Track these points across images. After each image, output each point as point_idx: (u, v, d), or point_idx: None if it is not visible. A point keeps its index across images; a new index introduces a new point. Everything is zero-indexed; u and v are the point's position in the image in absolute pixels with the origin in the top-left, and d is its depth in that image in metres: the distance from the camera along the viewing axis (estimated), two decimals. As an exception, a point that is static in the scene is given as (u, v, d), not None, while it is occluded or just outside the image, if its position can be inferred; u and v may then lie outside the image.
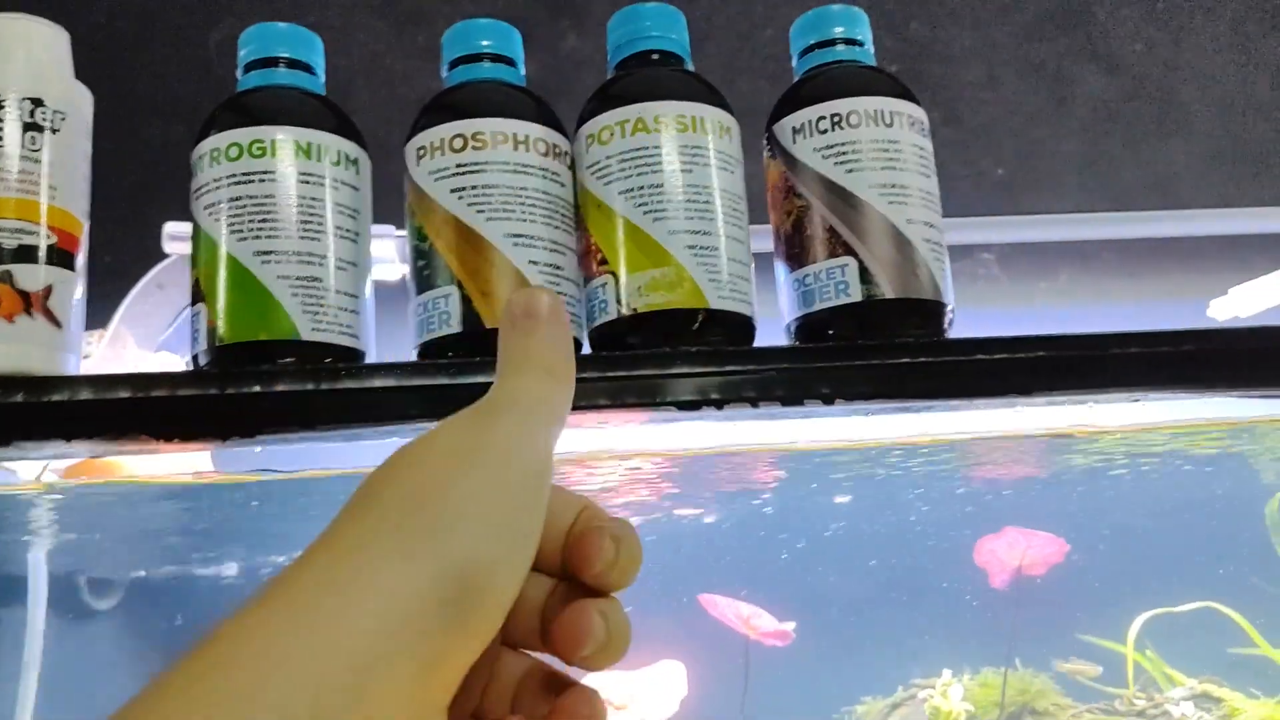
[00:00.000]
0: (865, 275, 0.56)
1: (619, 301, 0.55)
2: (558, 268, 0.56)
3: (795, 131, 0.59)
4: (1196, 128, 1.40)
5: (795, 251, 0.58)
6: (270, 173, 0.55)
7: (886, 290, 0.56)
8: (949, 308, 0.57)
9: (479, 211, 0.55)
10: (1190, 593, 1.16)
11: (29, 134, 0.53)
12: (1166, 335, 0.57)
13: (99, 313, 0.88)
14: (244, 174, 0.55)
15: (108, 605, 1.10)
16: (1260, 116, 1.42)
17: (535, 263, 0.55)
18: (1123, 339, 0.56)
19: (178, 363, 0.88)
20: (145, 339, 0.86)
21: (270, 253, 0.54)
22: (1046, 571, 1.13)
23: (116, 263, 0.83)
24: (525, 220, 0.55)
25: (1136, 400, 0.61)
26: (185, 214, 0.57)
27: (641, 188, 0.56)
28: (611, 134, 0.57)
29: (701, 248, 0.55)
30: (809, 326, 0.57)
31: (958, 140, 1.35)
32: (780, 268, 0.59)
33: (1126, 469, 1.23)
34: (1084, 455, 1.16)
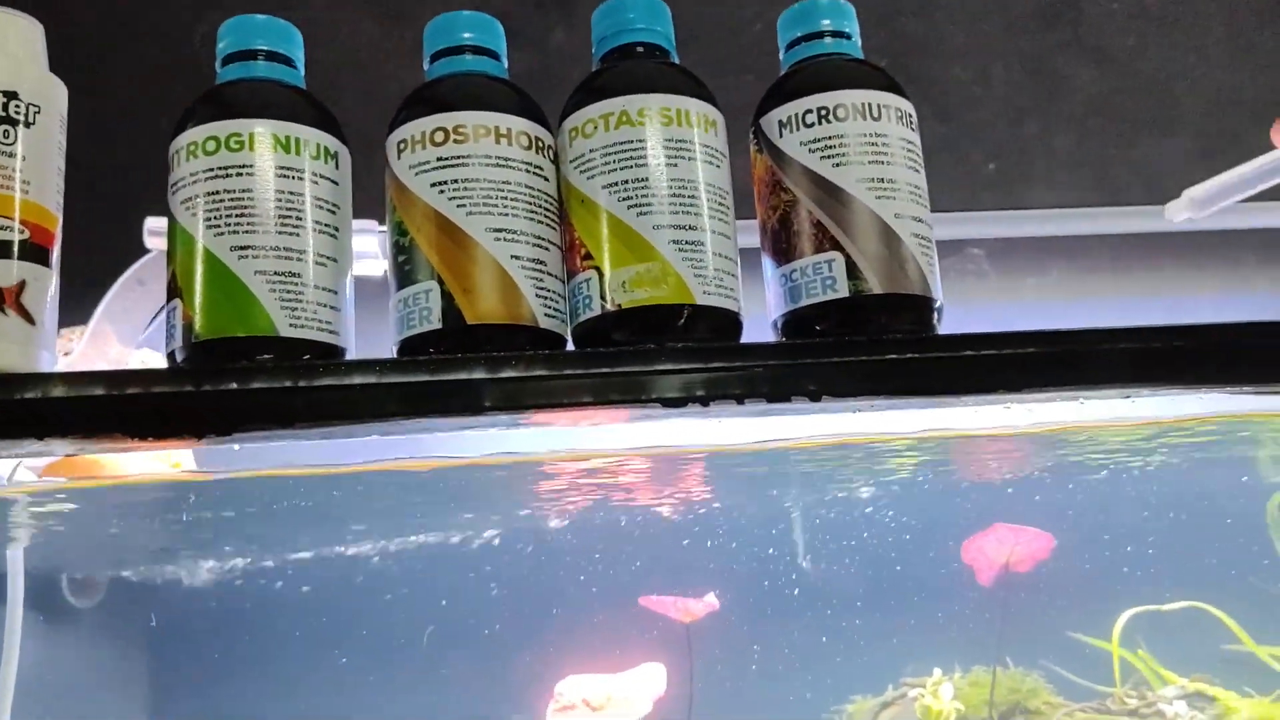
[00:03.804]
0: (853, 270, 0.55)
1: (603, 297, 0.54)
2: (541, 263, 0.55)
3: (782, 125, 0.58)
4: (1188, 124, 1.40)
5: (782, 246, 0.57)
6: (248, 166, 0.54)
7: (874, 286, 0.55)
8: (938, 303, 0.57)
9: (460, 206, 0.54)
10: (1183, 591, 1.15)
11: (2, 128, 0.52)
12: (1158, 330, 0.56)
13: (79, 309, 0.87)
14: (221, 168, 0.54)
15: (87, 605, 1.09)
16: (1251, 113, 1.41)
17: (518, 258, 0.54)
18: (1113, 334, 0.56)
19: (159, 359, 0.87)
20: (126, 335, 0.85)
21: (248, 248, 0.53)
22: (1033, 568, 1.12)
23: (97, 259, 0.82)
24: (508, 215, 0.54)
25: (1128, 397, 0.60)
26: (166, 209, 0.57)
27: (626, 182, 0.55)
28: (595, 127, 0.56)
29: (687, 243, 0.54)
30: (796, 322, 0.56)
31: (948, 135, 1.34)
32: (767, 263, 0.58)
33: (1122, 465, 1.22)
34: (1078, 451, 1.15)
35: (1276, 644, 1.11)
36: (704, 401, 0.53)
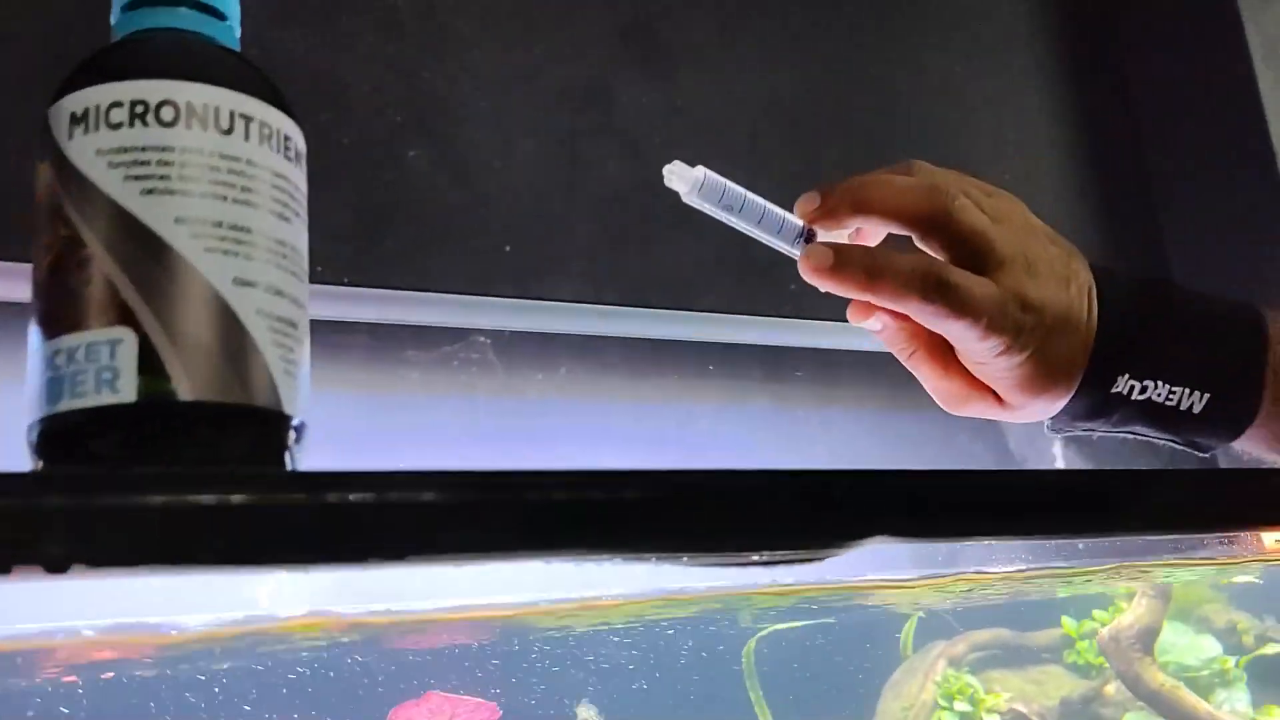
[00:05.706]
0: (150, 362, 0.34)
1: None
2: None
3: (75, 120, 0.37)
4: (707, 231, 1.35)
5: (51, 310, 0.36)
6: None
7: (184, 389, 0.35)
8: (295, 420, 0.38)
9: None
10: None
11: None
12: (658, 476, 0.41)
13: None
14: None
15: None
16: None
17: None
18: (539, 478, 0.40)
19: None
20: None
21: None
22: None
23: None
24: None
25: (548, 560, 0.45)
26: None
27: None
28: None
29: None
30: (55, 435, 0.35)
31: (465, 206, 1.18)
32: (32, 332, 0.37)
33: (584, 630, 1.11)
34: (533, 628, 1.02)
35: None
36: None
